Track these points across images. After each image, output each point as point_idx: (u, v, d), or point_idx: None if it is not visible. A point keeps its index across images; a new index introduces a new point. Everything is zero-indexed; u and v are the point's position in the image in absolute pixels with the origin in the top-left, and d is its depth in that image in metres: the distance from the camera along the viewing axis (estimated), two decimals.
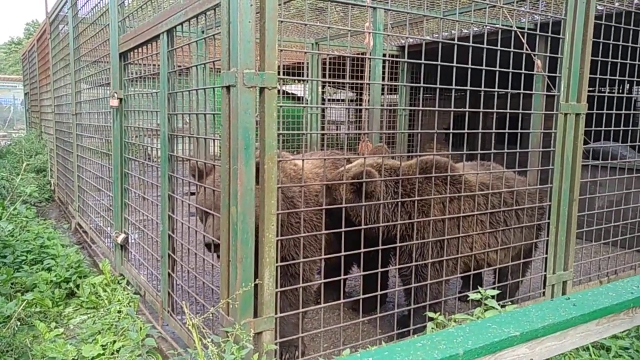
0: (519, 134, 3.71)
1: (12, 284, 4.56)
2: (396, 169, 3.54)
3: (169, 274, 3.60)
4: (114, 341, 3.50)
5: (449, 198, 3.53)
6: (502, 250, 3.82)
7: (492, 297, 2.93)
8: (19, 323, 3.69)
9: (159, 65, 3.55)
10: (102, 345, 3.45)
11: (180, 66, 3.59)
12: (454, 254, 3.55)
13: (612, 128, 4.33)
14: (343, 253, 3.10)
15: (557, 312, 1.73)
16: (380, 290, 3.48)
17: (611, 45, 4.08)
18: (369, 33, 4.46)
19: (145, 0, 3.90)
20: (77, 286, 4.60)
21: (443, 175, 3.50)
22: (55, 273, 4.65)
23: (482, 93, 3.37)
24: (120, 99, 4.52)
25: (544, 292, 3.90)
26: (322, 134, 9.67)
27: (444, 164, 3.54)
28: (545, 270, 3.88)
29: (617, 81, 4.24)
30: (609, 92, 4.28)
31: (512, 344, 1.58)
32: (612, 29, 4.10)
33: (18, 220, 6.39)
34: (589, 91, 3.78)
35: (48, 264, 4.88)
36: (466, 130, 3.36)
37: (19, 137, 15.07)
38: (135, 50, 4.18)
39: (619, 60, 4.16)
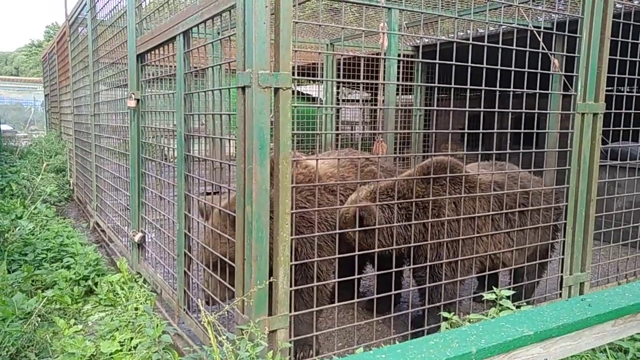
0: (535, 134, 3.68)
1: (32, 281, 4.66)
2: (390, 188, 3.53)
3: (185, 272, 3.65)
4: (131, 338, 3.55)
5: (458, 199, 3.52)
6: (517, 250, 3.79)
7: (507, 297, 2.92)
8: (39, 319, 3.77)
9: (175, 66, 3.61)
10: (119, 342, 3.51)
11: (196, 67, 3.63)
12: (468, 254, 3.53)
13: (631, 128, 4.26)
14: (357, 252, 3.11)
15: (572, 312, 1.72)
16: (394, 290, 3.48)
17: (630, 44, 4.02)
18: (384, 33, 4.47)
19: (162, 2, 3.96)
20: (96, 284, 4.68)
21: (443, 176, 3.48)
22: (74, 271, 4.74)
23: (498, 93, 3.35)
24: (138, 100, 4.59)
25: (560, 294, 3.86)
26: (337, 135, 9.68)
27: (449, 165, 3.51)
28: (562, 271, 3.84)
29: (636, 80, 4.18)
30: (627, 92, 4.22)
31: (526, 344, 1.58)
32: (631, 27, 4.04)
33: (38, 219, 6.52)
34: (607, 91, 3.74)
35: (67, 262, 4.98)
36: (481, 130, 3.34)
37: (39, 138, 15.36)
38: (152, 52, 4.24)
39: (638, 59, 4.10)
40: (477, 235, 3.55)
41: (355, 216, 3.32)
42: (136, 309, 4.08)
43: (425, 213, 3.48)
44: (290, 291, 2.69)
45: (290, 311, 2.71)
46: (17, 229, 5.49)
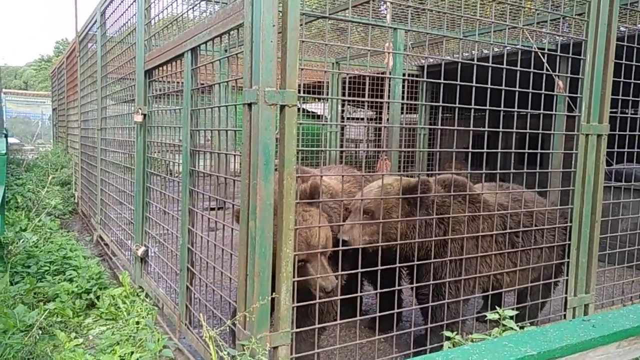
0: (539, 155, 3.69)
1: (34, 293, 4.65)
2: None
3: (187, 287, 3.64)
4: (132, 352, 3.53)
5: (473, 217, 3.51)
6: (521, 271, 3.77)
7: (511, 317, 2.89)
8: (40, 332, 3.76)
9: (182, 82, 3.65)
10: (120, 356, 3.49)
11: (203, 84, 3.68)
12: (472, 273, 3.52)
13: (636, 149, 4.27)
14: (360, 270, 3.10)
15: (576, 332, 1.71)
16: (396, 309, 3.46)
17: (634, 67, 4.05)
18: (389, 53, 4.52)
19: (171, 19, 4.02)
20: (98, 297, 4.67)
21: (462, 194, 3.49)
22: (76, 284, 4.73)
23: (502, 113, 3.37)
24: (145, 115, 4.64)
25: (564, 315, 3.83)
26: (341, 152, 9.71)
27: (467, 184, 3.52)
28: (567, 293, 3.81)
29: None
30: (632, 114, 4.23)
31: None
32: (635, 50, 4.07)
33: (42, 231, 6.54)
34: (611, 112, 3.75)
35: (70, 275, 4.97)
36: (485, 150, 3.36)
37: (45, 151, 15.48)
38: (160, 68, 4.30)
39: None
40: (492, 253, 3.55)
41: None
42: (137, 323, 4.06)
43: (445, 227, 3.48)
44: (293, 307, 2.68)
45: (292, 328, 2.70)
46: (21, 241, 5.51)
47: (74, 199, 9.91)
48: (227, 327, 2.69)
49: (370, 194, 3.47)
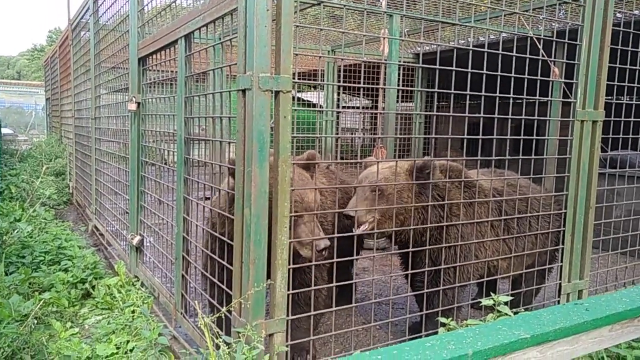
0: (534, 142, 3.69)
1: (30, 283, 4.64)
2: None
3: (182, 275, 3.64)
4: (128, 341, 3.54)
5: (469, 204, 3.52)
6: (516, 257, 3.79)
7: (505, 303, 2.91)
8: (35, 322, 3.75)
9: (176, 70, 3.62)
10: (115, 345, 3.49)
11: (197, 71, 3.64)
12: (470, 259, 3.53)
13: (631, 136, 4.27)
14: (355, 257, 3.10)
15: (569, 316, 1.71)
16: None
17: (630, 53, 4.04)
18: (385, 39, 4.49)
19: (165, 6, 3.98)
20: (93, 287, 4.66)
21: (458, 180, 3.48)
22: (71, 274, 4.72)
23: (498, 101, 3.36)
24: (139, 103, 4.60)
25: (558, 301, 3.85)
26: (337, 140, 9.69)
27: (462, 170, 3.52)
28: (561, 279, 3.83)
29: (635, 89, 4.19)
30: (627, 100, 4.23)
31: (523, 347, 1.57)
32: (631, 36, 4.06)
33: (37, 222, 6.51)
34: (607, 99, 3.75)
35: (65, 264, 4.96)
36: (480, 136, 3.35)
37: (39, 141, 15.38)
38: (154, 55, 4.26)
39: (637, 68, 4.11)
40: (494, 239, 3.56)
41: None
42: (133, 312, 4.07)
43: (441, 212, 3.48)
44: (288, 295, 2.68)
45: (287, 315, 2.70)
46: (16, 231, 5.48)
47: (69, 189, 9.87)
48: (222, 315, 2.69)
49: (380, 174, 3.44)
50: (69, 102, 9.82)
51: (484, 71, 3.18)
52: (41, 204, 7.51)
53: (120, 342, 3.53)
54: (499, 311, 2.91)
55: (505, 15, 3.50)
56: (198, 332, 3.22)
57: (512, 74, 3.30)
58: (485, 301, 2.93)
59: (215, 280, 3.05)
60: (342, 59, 8.72)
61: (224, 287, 2.92)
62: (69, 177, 10.13)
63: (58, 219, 7.63)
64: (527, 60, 3.37)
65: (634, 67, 4.09)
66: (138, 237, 4.78)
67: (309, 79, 10.80)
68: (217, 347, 2.44)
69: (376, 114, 9.50)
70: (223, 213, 2.94)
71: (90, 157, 7.22)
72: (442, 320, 3.00)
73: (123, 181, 5.52)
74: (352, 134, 13.56)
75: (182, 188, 3.62)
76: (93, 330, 3.92)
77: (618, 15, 4.92)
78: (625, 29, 3.96)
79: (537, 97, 3.53)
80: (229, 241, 2.78)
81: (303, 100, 13.19)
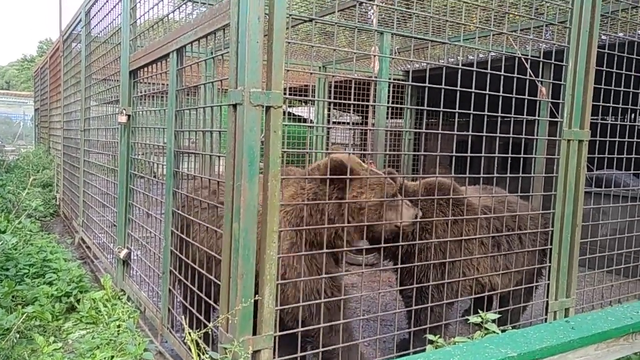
0: (521, 160, 3.73)
1: (13, 296, 4.55)
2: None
3: (169, 290, 3.60)
4: (112, 356, 3.47)
5: (459, 221, 3.54)
6: (505, 274, 3.81)
7: (493, 321, 2.91)
8: (18, 336, 3.68)
9: (167, 84, 3.62)
10: None
11: (188, 85, 3.65)
12: (456, 276, 3.54)
13: (616, 155, 4.34)
14: (343, 273, 3.09)
15: (556, 334, 1.72)
16: None
17: (614, 74, 4.12)
18: (375, 56, 4.55)
19: (157, 20, 4.00)
20: (78, 301, 4.59)
21: (446, 197, 3.51)
22: (56, 287, 4.64)
23: (486, 119, 3.40)
24: (129, 116, 4.59)
25: (546, 319, 3.86)
26: (327, 155, 9.70)
27: (451, 186, 3.54)
28: (548, 297, 3.85)
29: (620, 110, 4.27)
30: (612, 121, 4.31)
31: None
32: (616, 57, 4.14)
33: (22, 233, 6.41)
34: (592, 119, 3.81)
35: (50, 277, 4.88)
36: (469, 154, 3.38)
37: (27, 152, 15.23)
38: (145, 68, 4.26)
39: (622, 89, 4.20)
40: (485, 256, 3.58)
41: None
42: (118, 326, 4.00)
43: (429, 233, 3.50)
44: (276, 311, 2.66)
45: (275, 331, 2.68)
46: (0, 243, 5.40)
47: (56, 200, 9.75)
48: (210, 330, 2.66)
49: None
50: (58, 113, 9.76)
51: (473, 89, 3.23)
52: (27, 216, 7.41)
53: (105, 357, 3.46)
54: (486, 329, 2.91)
55: (493, 35, 3.57)
56: (185, 347, 3.18)
57: (501, 93, 3.35)
58: (473, 318, 2.94)
59: (202, 295, 3.02)
60: (333, 76, 8.79)
61: (211, 301, 2.89)
62: (56, 189, 10.02)
63: (44, 231, 7.52)
64: (515, 79, 3.43)
65: (619, 89, 4.17)
66: (125, 251, 4.73)
67: (300, 94, 10.86)
68: None
69: (366, 130, 9.55)
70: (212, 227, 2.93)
71: (78, 168, 7.17)
72: (430, 337, 2.99)
73: (111, 193, 5.47)
74: (344, 148, 13.61)
75: (171, 201, 3.60)
76: (77, 345, 3.84)
77: (603, 37, 5.03)
78: (610, 50, 4.05)
79: (525, 116, 3.58)
80: (216, 255, 2.76)
81: (294, 115, 13.24)
